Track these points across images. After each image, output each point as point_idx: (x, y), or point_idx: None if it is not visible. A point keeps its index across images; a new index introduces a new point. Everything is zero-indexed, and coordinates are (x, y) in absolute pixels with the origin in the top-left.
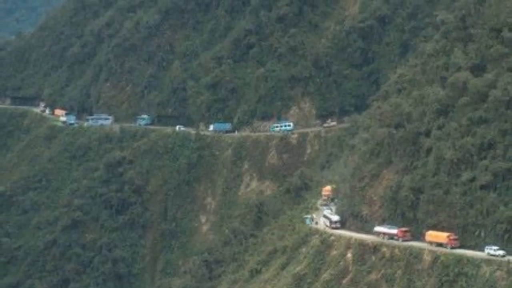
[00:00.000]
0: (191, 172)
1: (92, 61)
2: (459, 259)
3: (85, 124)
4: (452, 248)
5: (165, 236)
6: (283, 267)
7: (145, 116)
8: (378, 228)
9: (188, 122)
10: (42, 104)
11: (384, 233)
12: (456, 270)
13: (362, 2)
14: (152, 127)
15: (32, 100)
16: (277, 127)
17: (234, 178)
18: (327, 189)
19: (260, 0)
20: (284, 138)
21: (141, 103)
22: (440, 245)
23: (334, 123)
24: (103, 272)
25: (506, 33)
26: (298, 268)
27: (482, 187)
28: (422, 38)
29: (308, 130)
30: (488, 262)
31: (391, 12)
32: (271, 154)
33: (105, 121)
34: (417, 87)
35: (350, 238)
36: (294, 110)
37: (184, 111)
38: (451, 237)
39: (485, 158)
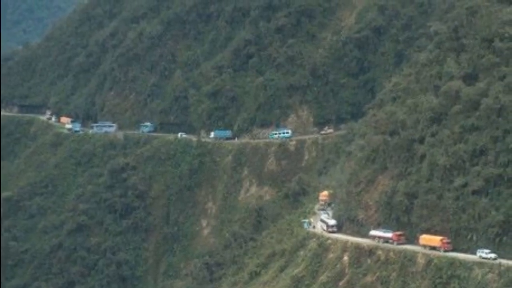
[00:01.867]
0: (193, 177)
1: (97, 70)
2: (452, 262)
3: (90, 131)
4: (445, 251)
5: (167, 240)
6: (282, 269)
7: (148, 123)
8: (373, 232)
9: (190, 129)
10: (48, 112)
11: (380, 237)
12: (449, 272)
13: (358, 13)
14: (154, 134)
15: (39, 108)
16: (275, 134)
17: (234, 184)
18: (324, 194)
19: (259, 12)
20: (282, 145)
21: (144, 111)
22: (433, 248)
23: (331, 130)
24: (107, 275)
25: (497, 43)
26: (296, 271)
27: (474, 192)
28: (416, 48)
29: (306, 137)
30: (480, 264)
31: (386, 23)
32: (270, 161)
33: (109, 128)
34: (411, 96)
35: (346, 242)
36: (292, 117)
37: (186, 118)
38: (444, 241)
39: (477, 164)
